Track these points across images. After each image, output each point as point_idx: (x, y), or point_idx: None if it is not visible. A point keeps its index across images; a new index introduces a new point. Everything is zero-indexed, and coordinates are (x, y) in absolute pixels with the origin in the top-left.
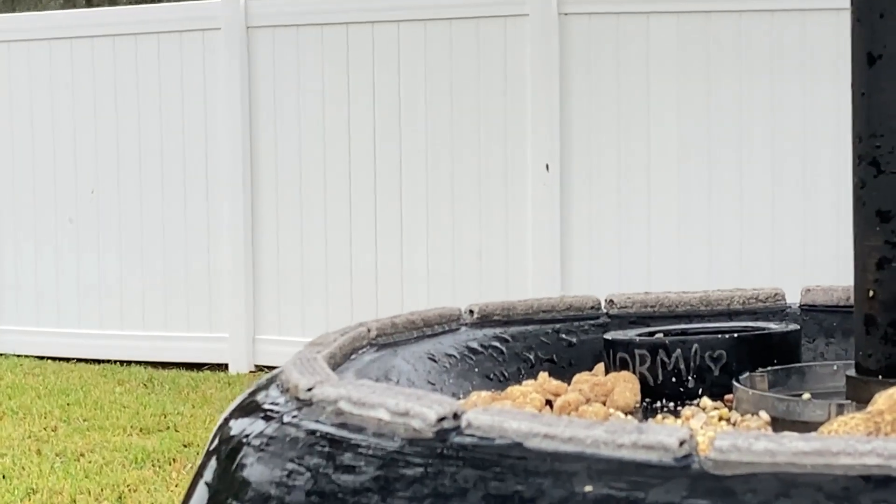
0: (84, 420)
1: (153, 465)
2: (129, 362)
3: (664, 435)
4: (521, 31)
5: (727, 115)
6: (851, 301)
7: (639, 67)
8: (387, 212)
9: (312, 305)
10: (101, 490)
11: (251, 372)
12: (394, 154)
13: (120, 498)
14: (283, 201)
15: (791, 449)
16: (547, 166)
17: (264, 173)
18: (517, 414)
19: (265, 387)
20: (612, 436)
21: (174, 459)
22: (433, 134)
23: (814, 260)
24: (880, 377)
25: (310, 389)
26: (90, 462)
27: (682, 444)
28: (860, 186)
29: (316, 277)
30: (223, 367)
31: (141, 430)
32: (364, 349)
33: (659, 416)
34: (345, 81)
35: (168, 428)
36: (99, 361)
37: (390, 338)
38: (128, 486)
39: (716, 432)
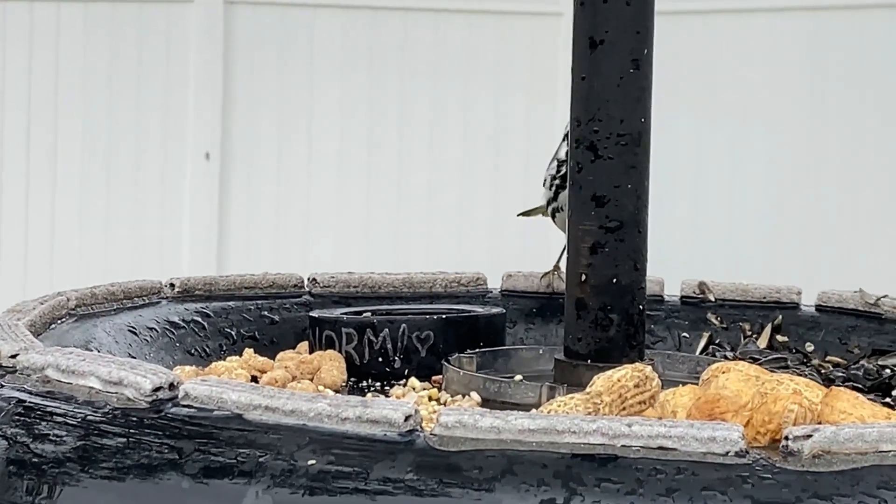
0: None
1: None
2: None
3: (389, 409)
4: (186, 17)
5: (391, 112)
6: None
7: (303, 61)
8: (39, 196)
9: None
10: None
11: None
12: (48, 137)
13: None
14: None
15: (517, 426)
16: (207, 155)
17: None
18: (237, 385)
19: None
20: (336, 409)
21: None
22: (90, 118)
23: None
24: (589, 361)
25: (14, 356)
26: None
27: (407, 418)
28: (577, 170)
29: None
30: None
31: None
32: (63, 319)
33: (368, 395)
34: None
35: None
36: None
37: (90, 308)
38: None
39: (441, 409)
